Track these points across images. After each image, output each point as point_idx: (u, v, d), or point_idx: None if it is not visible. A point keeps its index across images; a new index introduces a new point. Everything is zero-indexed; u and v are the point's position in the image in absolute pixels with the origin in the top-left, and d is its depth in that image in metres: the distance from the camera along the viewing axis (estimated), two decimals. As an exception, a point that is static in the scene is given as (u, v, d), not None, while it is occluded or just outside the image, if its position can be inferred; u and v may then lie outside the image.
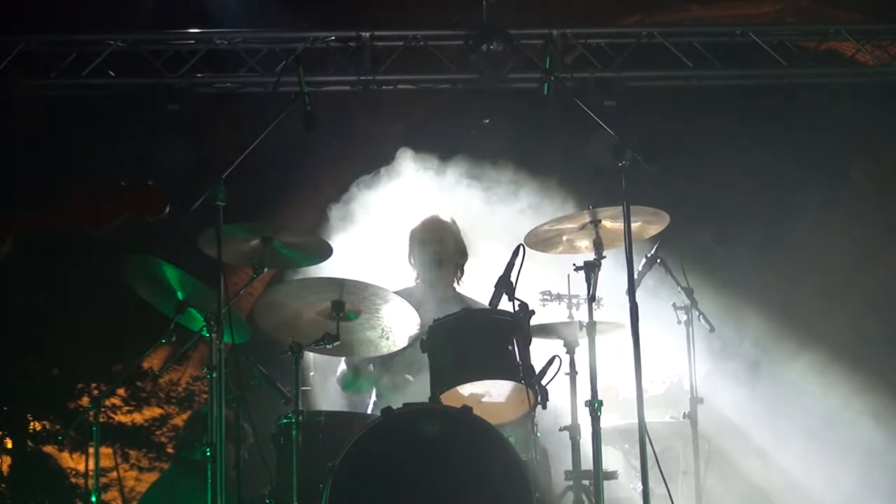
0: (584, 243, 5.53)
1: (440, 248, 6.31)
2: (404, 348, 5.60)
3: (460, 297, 6.32)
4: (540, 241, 5.59)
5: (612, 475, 5.51)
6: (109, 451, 9.55)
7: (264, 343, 5.62)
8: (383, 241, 6.75)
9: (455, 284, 6.38)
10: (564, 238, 5.59)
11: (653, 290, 6.17)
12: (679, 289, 6.23)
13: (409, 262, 6.41)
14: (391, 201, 6.97)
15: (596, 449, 5.13)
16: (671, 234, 5.81)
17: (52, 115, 8.70)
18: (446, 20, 8.39)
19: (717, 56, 8.32)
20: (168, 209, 3.56)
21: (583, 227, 5.47)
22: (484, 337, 5.23)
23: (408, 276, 6.41)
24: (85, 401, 9.10)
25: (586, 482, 5.33)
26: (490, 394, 5.32)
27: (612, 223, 5.40)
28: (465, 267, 6.41)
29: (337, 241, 6.46)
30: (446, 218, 6.44)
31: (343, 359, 6.09)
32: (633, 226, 5.10)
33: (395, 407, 5.00)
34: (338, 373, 6.20)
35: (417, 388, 5.58)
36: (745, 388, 7.52)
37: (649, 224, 5.57)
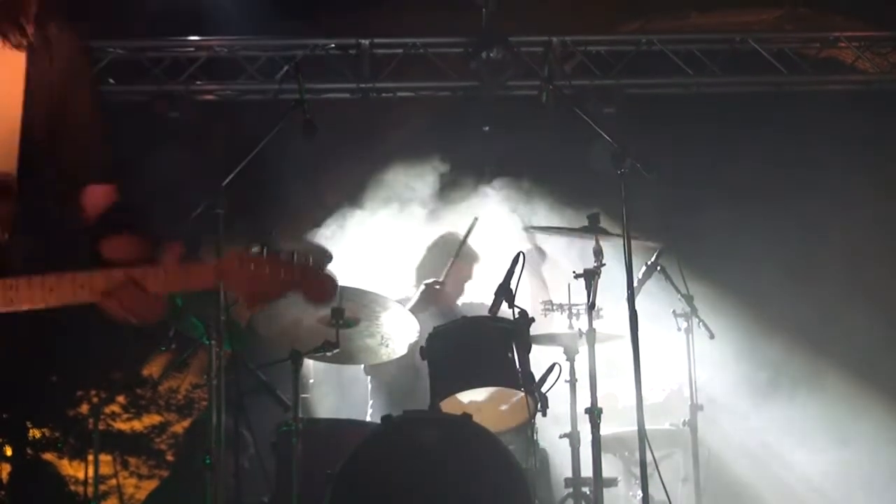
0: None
1: (472, 265, 6.32)
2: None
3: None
4: None
5: (611, 482, 5.51)
6: (109, 458, 9.52)
7: (264, 351, 5.61)
8: (383, 248, 6.74)
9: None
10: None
11: (653, 296, 6.16)
12: (679, 296, 6.22)
13: (421, 273, 6.36)
14: (391, 208, 6.97)
15: (596, 456, 5.12)
16: (672, 241, 5.79)
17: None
18: (446, 27, 8.39)
19: (716, 63, 8.33)
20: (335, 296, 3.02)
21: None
22: (484, 344, 5.22)
23: (406, 284, 6.39)
24: (84, 408, 9.08)
25: (586, 489, 5.33)
26: (490, 401, 5.31)
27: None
28: None
29: (337, 248, 6.46)
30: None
31: None
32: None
33: (394, 414, 5.00)
34: None
35: (414, 394, 5.59)
36: (746, 395, 7.50)
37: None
